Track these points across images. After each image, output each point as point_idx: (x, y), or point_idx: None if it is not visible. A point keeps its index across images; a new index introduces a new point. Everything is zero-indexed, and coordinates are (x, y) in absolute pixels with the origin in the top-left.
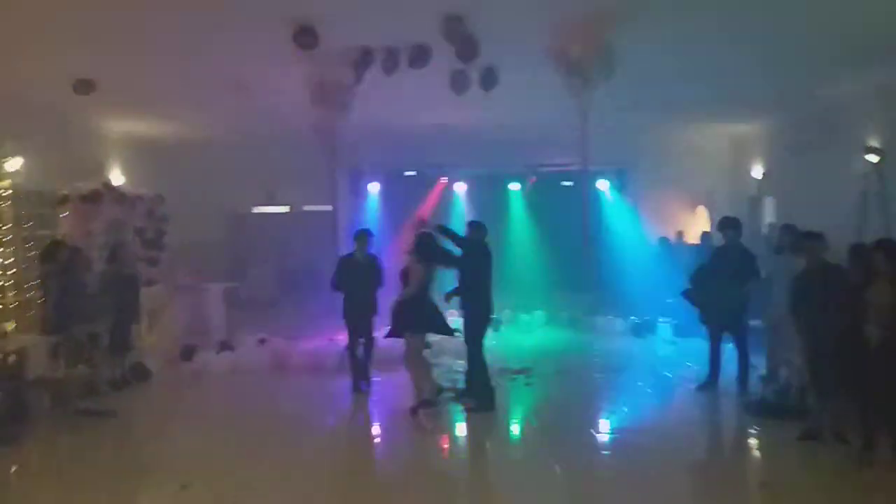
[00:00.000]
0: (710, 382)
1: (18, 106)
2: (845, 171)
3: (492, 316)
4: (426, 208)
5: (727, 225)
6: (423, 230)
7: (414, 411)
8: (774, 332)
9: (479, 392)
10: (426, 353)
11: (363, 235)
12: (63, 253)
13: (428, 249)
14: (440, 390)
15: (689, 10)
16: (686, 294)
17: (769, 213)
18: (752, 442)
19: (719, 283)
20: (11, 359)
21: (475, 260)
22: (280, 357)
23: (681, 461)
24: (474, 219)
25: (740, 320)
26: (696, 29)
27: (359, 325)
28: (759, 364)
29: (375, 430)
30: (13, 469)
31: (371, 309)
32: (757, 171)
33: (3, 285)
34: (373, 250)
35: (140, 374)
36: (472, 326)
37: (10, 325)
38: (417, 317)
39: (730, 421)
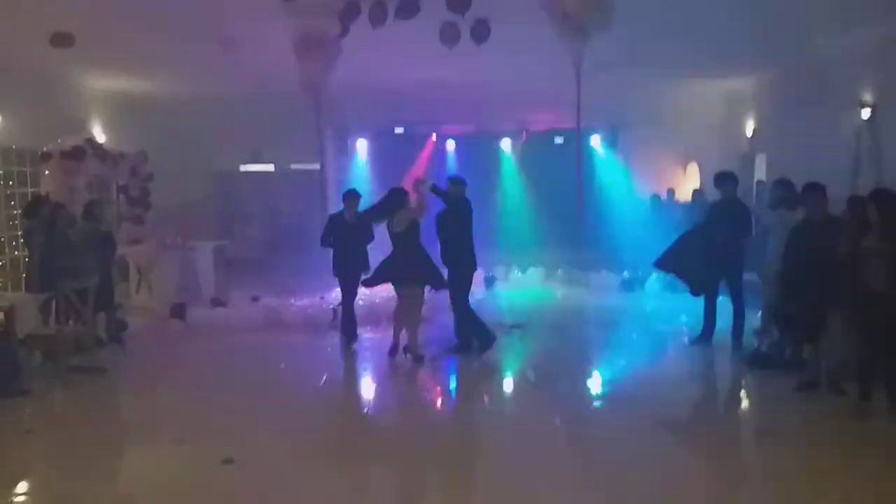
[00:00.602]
0: (704, 337)
1: None
2: (838, 126)
3: (475, 269)
4: (419, 167)
5: (723, 179)
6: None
7: (405, 350)
8: (769, 285)
9: (479, 333)
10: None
11: (352, 196)
12: (45, 209)
13: (394, 203)
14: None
15: None
16: (659, 264)
17: (760, 171)
18: (748, 393)
19: (715, 237)
20: (0, 316)
21: (456, 215)
22: (272, 314)
23: (677, 413)
24: (455, 174)
25: (737, 274)
26: None
27: (350, 282)
28: (752, 318)
29: (368, 383)
30: (7, 425)
31: (361, 266)
32: (749, 128)
33: None
34: (361, 209)
35: (115, 330)
36: (458, 279)
37: None
38: (408, 268)
39: (725, 373)
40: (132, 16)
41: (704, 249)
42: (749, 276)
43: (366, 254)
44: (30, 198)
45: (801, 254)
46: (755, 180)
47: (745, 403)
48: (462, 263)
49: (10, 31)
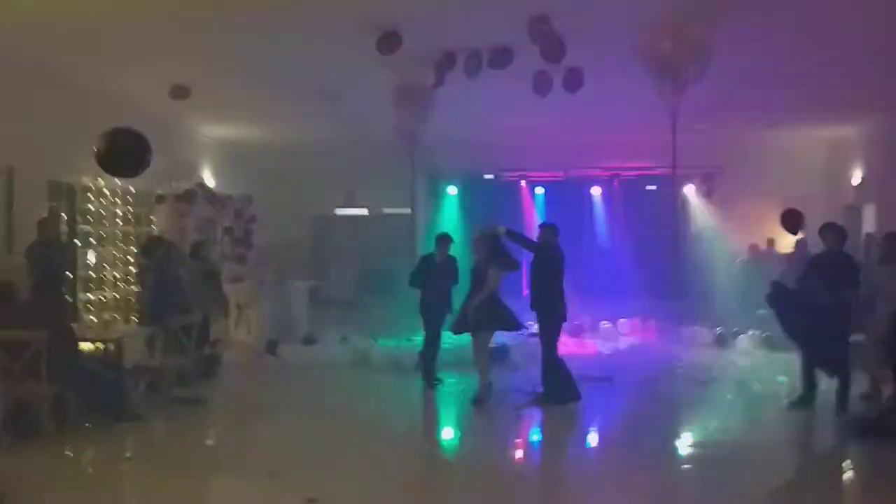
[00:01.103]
0: (805, 401)
1: (120, 108)
2: None
3: (564, 319)
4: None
5: (828, 229)
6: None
7: (478, 403)
8: (878, 346)
9: (562, 385)
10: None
11: (444, 239)
12: (161, 248)
13: (490, 251)
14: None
15: (784, 6)
16: (770, 299)
17: (868, 223)
18: (849, 463)
19: (817, 292)
20: (111, 347)
21: (546, 262)
22: (360, 354)
23: (768, 483)
24: (546, 221)
25: (842, 332)
26: (791, 25)
27: (434, 322)
28: (860, 381)
29: (448, 428)
30: (109, 450)
31: (446, 307)
32: (855, 178)
33: (105, 279)
34: (452, 253)
35: (210, 365)
36: (546, 327)
37: (111, 316)
38: (488, 315)
39: (826, 441)
40: (242, 68)
41: (806, 305)
42: (857, 337)
43: (450, 295)
44: (144, 238)
45: None
46: (863, 233)
47: (844, 474)
48: (551, 312)
49: (133, 81)
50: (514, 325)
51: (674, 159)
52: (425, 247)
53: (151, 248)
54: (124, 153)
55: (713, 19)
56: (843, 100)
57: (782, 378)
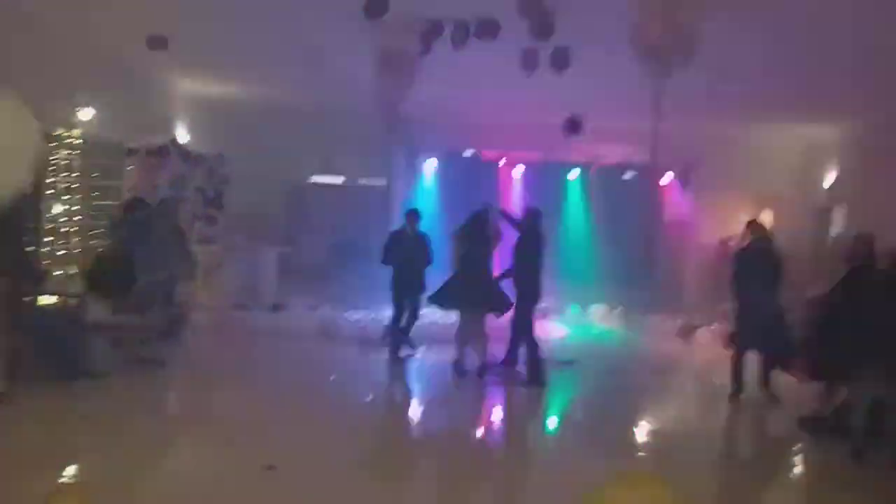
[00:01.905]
0: (735, 392)
1: (92, 57)
2: None
3: (538, 301)
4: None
5: (751, 228)
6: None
7: (480, 373)
8: None
9: (531, 368)
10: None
11: (412, 214)
12: (142, 210)
13: (478, 228)
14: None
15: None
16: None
17: (838, 224)
18: (799, 457)
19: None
20: (73, 301)
21: (530, 244)
22: (328, 325)
23: (718, 472)
24: (531, 204)
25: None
26: (782, 17)
27: (404, 300)
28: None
29: (414, 402)
30: (65, 409)
31: (417, 288)
32: (828, 180)
33: (68, 231)
34: (423, 229)
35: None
36: (523, 308)
37: (72, 270)
38: (488, 296)
39: (777, 434)
40: (223, 21)
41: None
42: None
43: (422, 271)
44: (115, 191)
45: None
46: (832, 234)
47: (792, 470)
48: (530, 292)
49: (107, 27)
50: (507, 307)
51: (654, 145)
52: (400, 219)
53: (132, 208)
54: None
55: (702, 6)
56: (822, 100)
57: None
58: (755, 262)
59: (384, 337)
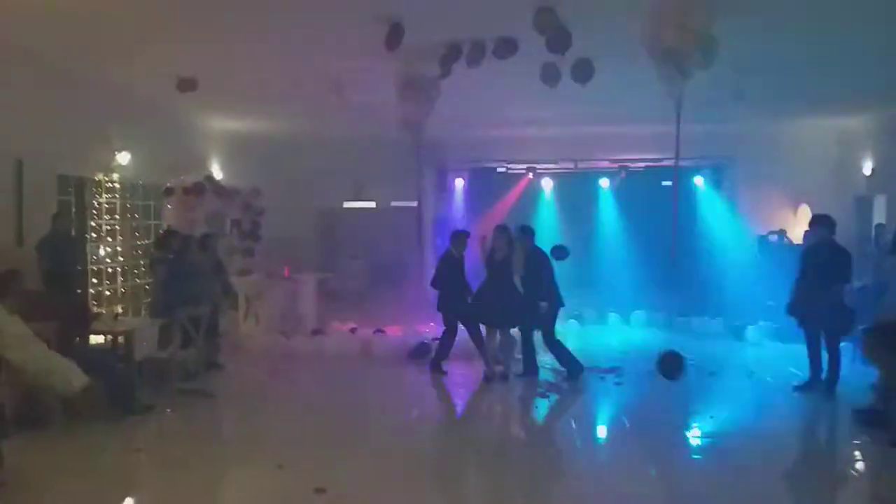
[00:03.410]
0: (809, 383)
1: (127, 101)
2: None
3: (559, 307)
4: (507, 204)
5: (816, 222)
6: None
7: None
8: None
9: (567, 363)
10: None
11: (461, 236)
12: (176, 240)
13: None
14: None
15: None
16: (790, 310)
17: (879, 214)
18: (857, 452)
19: (809, 283)
20: (121, 340)
21: (533, 263)
22: (367, 345)
23: (778, 468)
24: (523, 224)
25: (834, 322)
26: (802, 16)
27: (453, 318)
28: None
29: (458, 416)
30: (119, 443)
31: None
32: (866, 168)
33: (113, 272)
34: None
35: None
36: (543, 317)
37: (119, 309)
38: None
39: (833, 429)
40: (250, 61)
41: (805, 294)
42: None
43: (469, 292)
44: (159, 231)
45: None
46: (874, 223)
47: (853, 463)
48: (549, 302)
49: (141, 72)
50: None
51: (677, 149)
52: (431, 238)
53: (166, 241)
54: None
55: (718, 8)
56: (855, 90)
57: (793, 369)
58: (822, 257)
59: (424, 354)
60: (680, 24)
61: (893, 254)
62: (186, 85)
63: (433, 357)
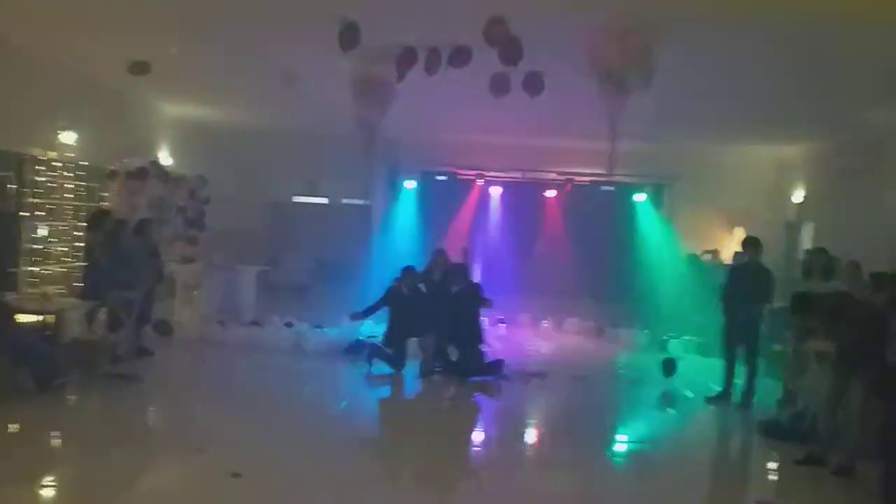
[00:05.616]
0: (721, 396)
1: (75, 80)
2: (890, 198)
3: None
4: (464, 219)
5: (747, 243)
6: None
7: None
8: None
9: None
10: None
11: (409, 273)
12: (109, 222)
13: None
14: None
15: (733, 27)
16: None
17: (807, 240)
18: (757, 461)
19: (733, 300)
20: (49, 319)
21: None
22: (301, 340)
23: (682, 474)
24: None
25: (751, 339)
26: (740, 46)
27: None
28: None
29: (384, 411)
30: (41, 422)
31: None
32: (797, 196)
33: (52, 252)
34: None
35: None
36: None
37: (53, 289)
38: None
39: (738, 439)
40: (203, 46)
41: (725, 312)
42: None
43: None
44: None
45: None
46: (803, 249)
47: (751, 471)
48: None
49: (91, 52)
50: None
51: (610, 165)
52: (379, 239)
53: (98, 221)
54: None
55: (660, 31)
56: (790, 120)
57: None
58: (748, 277)
59: (355, 352)
60: (621, 43)
61: (806, 278)
62: (139, 68)
63: (369, 351)
